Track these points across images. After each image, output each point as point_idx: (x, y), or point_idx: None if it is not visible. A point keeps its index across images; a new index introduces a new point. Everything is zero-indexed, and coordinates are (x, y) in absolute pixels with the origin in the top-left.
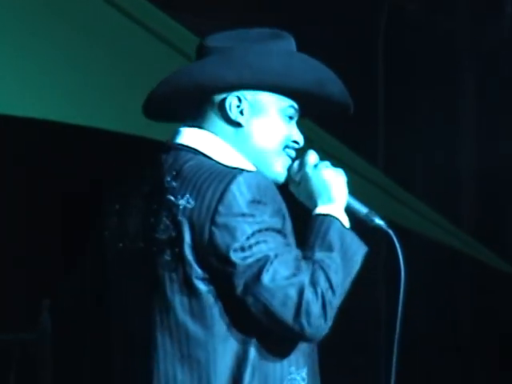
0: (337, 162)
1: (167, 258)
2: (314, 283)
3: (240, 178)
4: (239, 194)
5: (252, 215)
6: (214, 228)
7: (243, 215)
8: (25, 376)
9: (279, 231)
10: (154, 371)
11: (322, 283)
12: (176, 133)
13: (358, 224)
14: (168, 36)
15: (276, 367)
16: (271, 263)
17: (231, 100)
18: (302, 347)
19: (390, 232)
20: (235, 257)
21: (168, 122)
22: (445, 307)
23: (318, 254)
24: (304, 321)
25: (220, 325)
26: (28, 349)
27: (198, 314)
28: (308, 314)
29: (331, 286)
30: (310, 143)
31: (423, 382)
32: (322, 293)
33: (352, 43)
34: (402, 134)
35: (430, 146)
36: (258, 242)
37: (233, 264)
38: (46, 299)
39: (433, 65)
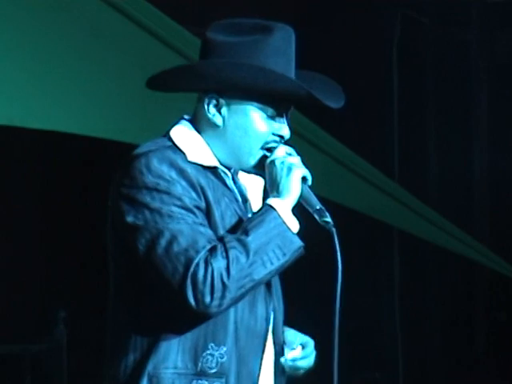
0: (353, 174)
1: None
2: (207, 259)
3: (148, 156)
4: (145, 169)
5: (156, 190)
6: (119, 199)
7: (147, 188)
8: None
9: (186, 208)
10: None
11: (217, 261)
12: (176, 121)
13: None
14: (186, 49)
15: (193, 341)
16: (169, 234)
17: (209, 100)
18: (224, 324)
19: (333, 231)
20: (131, 220)
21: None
22: (461, 318)
23: (231, 236)
24: (189, 293)
25: (129, 295)
26: (42, 360)
27: (113, 283)
28: (193, 288)
29: (227, 266)
30: (322, 153)
31: None
32: (213, 270)
33: (366, 55)
34: (416, 145)
35: (444, 156)
36: (159, 213)
37: (130, 227)
38: (62, 311)
39: (446, 76)
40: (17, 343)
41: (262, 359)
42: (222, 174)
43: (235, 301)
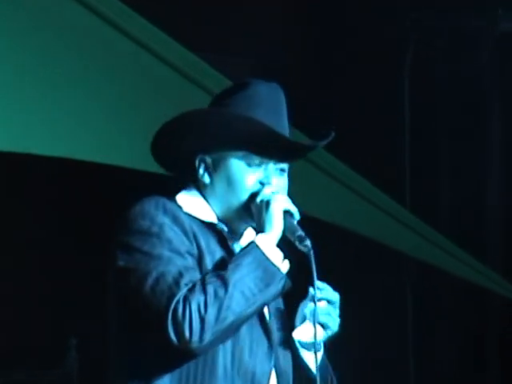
0: (365, 201)
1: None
2: (186, 296)
3: (142, 202)
4: (139, 214)
5: (149, 233)
6: (115, 247)
7: (139, 232)
8: None
9: (176, 251)
10: None
11: (195, 296)
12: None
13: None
14: (191, 73)
15: None
16: (156, 274)
17: (199, 162)
18: (212, 369)
19: (311, 254)
20: (123, 264)
21: None
22: (473, 345)
23: (212, 273)
24: (170, 330)
25: (122, 335)
26: None
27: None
28: (174, 324)
29: (205, 300)
30: (335, 181)
31: None
32: (190, 305)
33: (378, 80)
34: (428, 172)
35: (456, 182)
36: (150, 255)
37: (121, 270)
38: (73, 338)
39: (459, 102)
40: (29, 371)
41: None
42: (222, 231)
43: (220, 335)
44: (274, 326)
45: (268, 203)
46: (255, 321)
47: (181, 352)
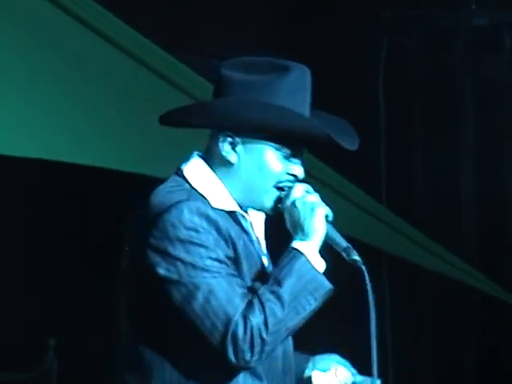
0: (340, 197)
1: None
2: (245, 315)
3: (178, 208)
4: (177, 221)
5: (190, 242)
6: (148, 250)
7: (180, 241)
8: None
9: (219, 260)
10: None
11: (255, 317)
12: (187, 157)
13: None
14: (171, 75)
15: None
16: (206, 289)
17: (224, 138)
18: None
19: (363, 268)
20: (164, 273)
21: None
22: (451, 341)
23: (264, 288)
24: (229, 351)
25: (156, 342)
26: None
27: (139, 330)
28: (234, 346)
29: (265, 320)
30: (311, 178)
31: None
32: (252, 327)
33: (353, 80)
34: (403, 168)
35: (432, 179)
36: (193, 266)
37: (162, 279)
38: (52, 339)
39: (433, 99)
40: (6, 372)
41: None
42: (240, 218)
43: (274, 348)
44: None
45: (312, 209)
46: None
47: (234, 368)
